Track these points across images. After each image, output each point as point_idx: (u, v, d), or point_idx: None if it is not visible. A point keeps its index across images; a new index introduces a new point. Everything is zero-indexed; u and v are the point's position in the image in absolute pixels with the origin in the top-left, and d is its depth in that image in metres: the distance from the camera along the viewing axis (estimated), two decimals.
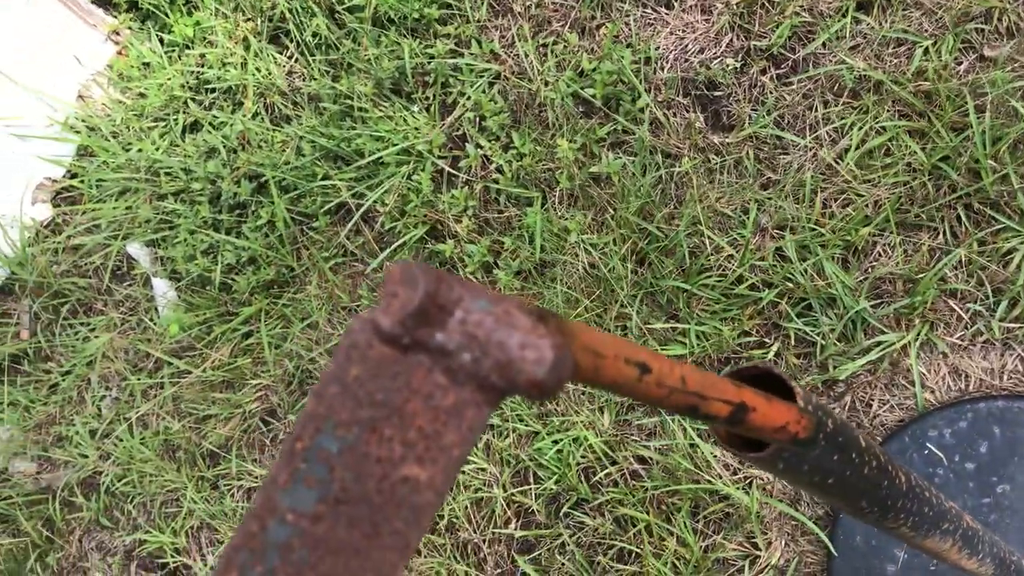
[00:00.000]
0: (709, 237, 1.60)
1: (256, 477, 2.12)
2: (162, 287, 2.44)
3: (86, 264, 2.56)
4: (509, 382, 0.38)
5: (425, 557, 1.66)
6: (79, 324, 2.56)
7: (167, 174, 2.36)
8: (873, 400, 1.42)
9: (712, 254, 1.61)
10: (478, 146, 1.95)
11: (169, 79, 2.41)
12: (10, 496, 2.44)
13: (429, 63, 2.05)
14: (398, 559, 0.38)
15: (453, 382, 0.38)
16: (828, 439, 0.54)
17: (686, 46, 1.86)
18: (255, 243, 2.19)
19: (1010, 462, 1.33)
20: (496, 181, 1.92)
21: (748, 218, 1.53)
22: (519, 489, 1.67)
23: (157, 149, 2.39)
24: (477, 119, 1.99)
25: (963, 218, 1.50)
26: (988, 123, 1.49)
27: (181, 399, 2.29)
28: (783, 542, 1.50)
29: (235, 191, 2.25)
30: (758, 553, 1.51)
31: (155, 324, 2.43)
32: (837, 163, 1.60)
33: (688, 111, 1.79)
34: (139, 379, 2.40)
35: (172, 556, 2.21)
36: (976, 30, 1.59)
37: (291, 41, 2.22)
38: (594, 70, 1.86)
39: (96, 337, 2.51)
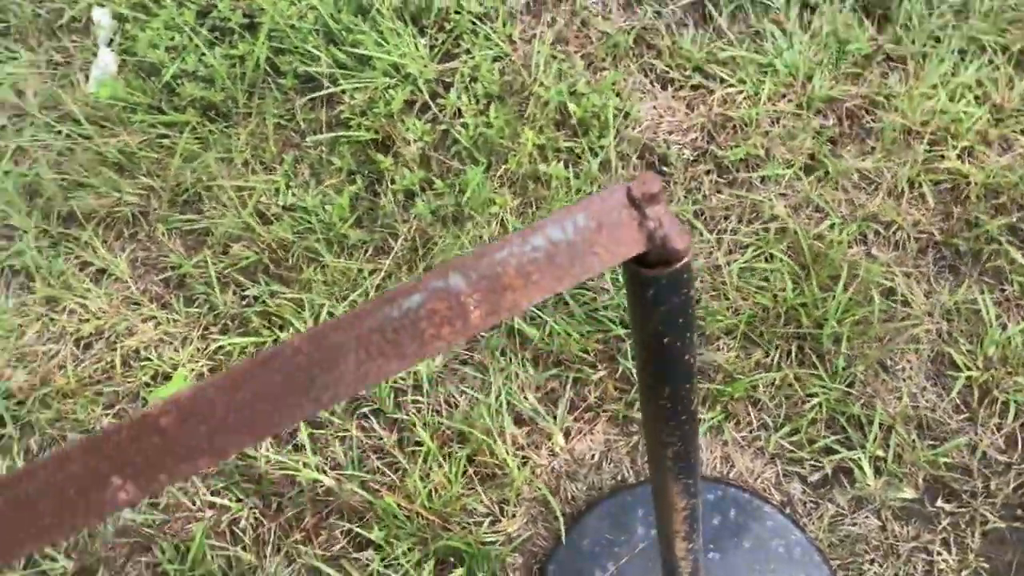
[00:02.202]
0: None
1: (100, 257, 2.15)
2: (107, 57, 2.48)
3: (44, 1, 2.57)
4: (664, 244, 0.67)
5: None
6: (4, 48, 2.55)
7: None
8: None
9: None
10: (459, 98, 2.14)
11: None
12: None
13: (457, 13, 2.23)
14: None
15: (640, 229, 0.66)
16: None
17: (660, 122, 2.12)
18: (219, 65, 2.28)
19: (728, 540, 1.58)
20: (458, 133, 2.10)
21: None
22: None
23: None
24: (469, 79, 2.18)
25: (792, 352, 1.77)
26: (847, 297, 1.78)
27: (69, 159, 2.31)
28: (526, 520, 1.69)
29: (228, 16, 2.34)
30: (501, 518, 1.69)
31: (82, 84, 2.45)
32: (724, 266, 1.87)
33: (636, 169, 2.04)
34: (34, 120, 2.40)
35: None
36: (875, 232, 1.91)
37: None
38: (583, 95, 2.10)
39: (15, 63, 2.51)
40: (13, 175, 2.33)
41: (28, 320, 2.12)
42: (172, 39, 2.37)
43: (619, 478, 1.72)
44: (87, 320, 2.09)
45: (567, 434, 1.78)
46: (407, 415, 1.80)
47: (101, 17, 2.55)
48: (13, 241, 2.23)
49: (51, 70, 2.53)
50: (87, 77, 2.49)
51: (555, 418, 1.78)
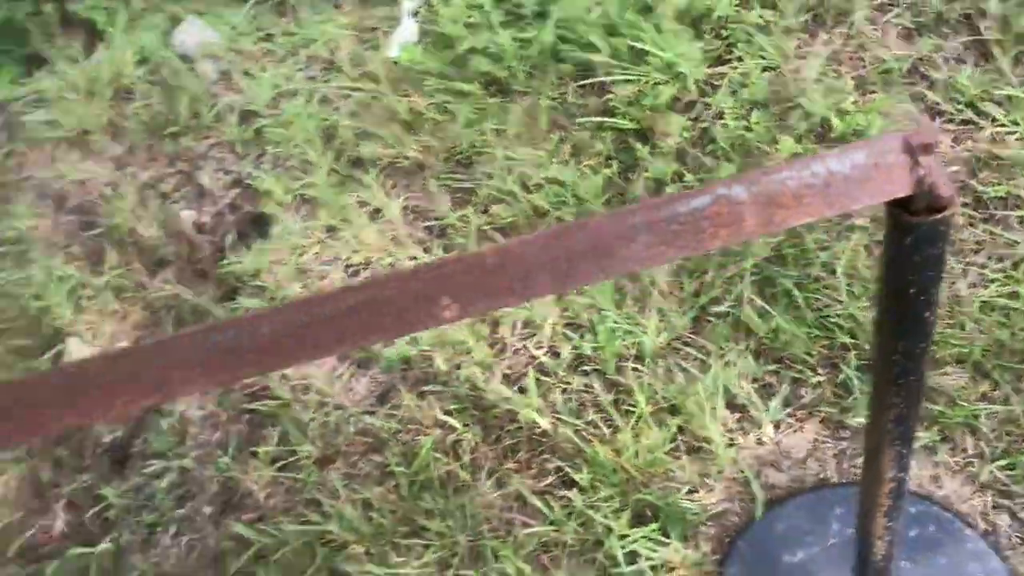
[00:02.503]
0: None
1: (378, 198, 2.42)
2: (410, 27, 2.78)
3: None
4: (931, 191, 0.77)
5: None
6: (323, 11, 2.91)
7: None
8: None
9: None
10: (724, 100, 2.25)
11: None
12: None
13: (735, 23, 2.35)
14: None
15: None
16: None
17: None
18: (508, 45, 2.51)
19: (924, 553, 1.59)
20: (717, 133, 2.21)
21: None
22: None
23: None
24: (739, 84, 2.28)
25: (1023, 390, 1.75)
26: None
27: (364, 111, 2.62)
28: (724, 496, 1.77)
29: (523, 2, 2.57)
30: (699, 489, 1.78)
31: (384, 49, 2.76)
32: (966, 297, 1.87)
33: None
34: (339, 74, 2.73)
35: (268, 204, 2.53)
36: None
37: None
38: (848, 113, 2.14)
39: (332, 23, 2.86)
40: (316, 118, 2.66)
41: (310, 243, 2.43)
42: (470, 17, 2.63)
43: (822, 477, 1.77)
44: (358, 251, 2.37)
45: (777, 426, 1.84)
46: (626, 380, 1.93)
47: None
48: (307, 174, 2.56)
49: (360, 33, 2.87)
50: (389, 43, 2.80)
51: (768, 410, 1.85)
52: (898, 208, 0.81)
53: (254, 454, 2.05)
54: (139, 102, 2.82)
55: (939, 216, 0.81)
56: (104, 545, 2.04)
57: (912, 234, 0.83)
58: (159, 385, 0.82)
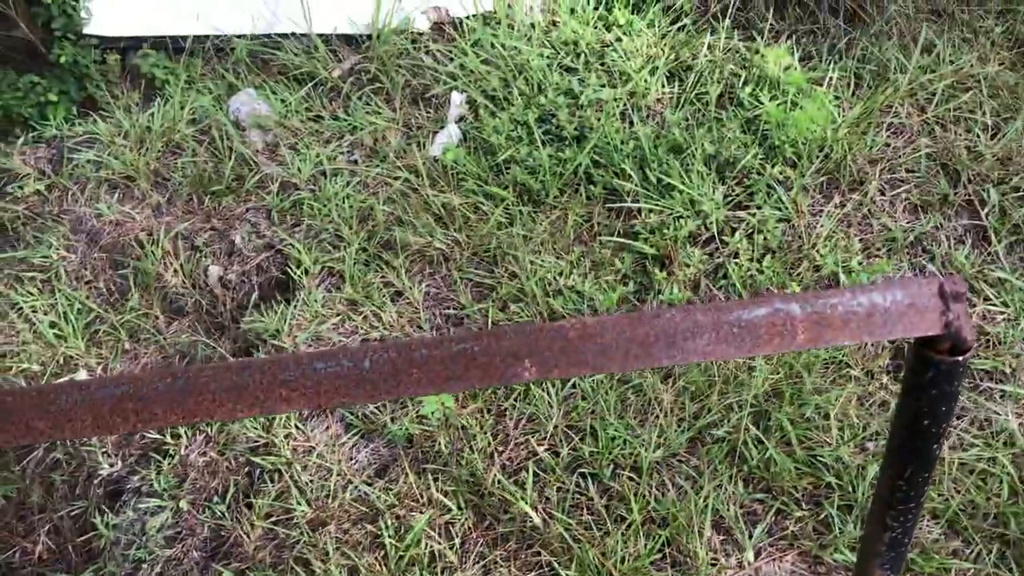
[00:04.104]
0: None
1: (402, 282, 2.54)
2: (454, 130, 2.96)
3: (421, 69, 3.09)
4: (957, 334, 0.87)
5: None
6: (375, 104, 3.10)
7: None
8: None
9: None
10: (740, 241, 2.41)
11: None
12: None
13: (758, 174, 2.54)
14: None
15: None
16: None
17: None
18: (545, 161, 2.68)
19: None
20: (731, 270, 2.37)
21: None
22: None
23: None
24: (754, 230, 2.45)
25: (993, 552, 1.85)
26: None
27: (400, 200, 2.77)
28: None
29: (564, 125, 2.76)
30: None
31: (427, 147, 2.93)
32: (946, 457, 1.98)
33: (883, 350, 2.21)
34: (378, 162, 2.89)
35: (296, 271, 2.65)
36: None
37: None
38: (854, 272, 2.31)
39: (379, 116, 3.04)
40: (354, 199, 2.81)
41: (331, 313, 2.53)
42: (513, 130, 2.82)
43: None
44: (376, 327, 2.47)
45: (758, 553, 1.92)
46: (620, 487, 2.02)
47: (458, 99, 3.06)
48: (338, 249, 2.68)
49: (406, 129, 3.05)
50: (433, 142, 2.98)
51: (750, 535, 1.94)
52: (925, 345, 0.94)
53: (249, 506, 2.10)
54: (186, 157, 2.96)
55: (960, 358, 0.93)
56: (86, 575, 2.06)
57: (933, 370, 0.95)
58: (260, 400, 0.92)
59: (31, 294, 2.67)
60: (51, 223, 2.88)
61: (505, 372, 0.92)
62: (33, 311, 2.65)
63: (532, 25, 3.14)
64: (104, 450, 2.27)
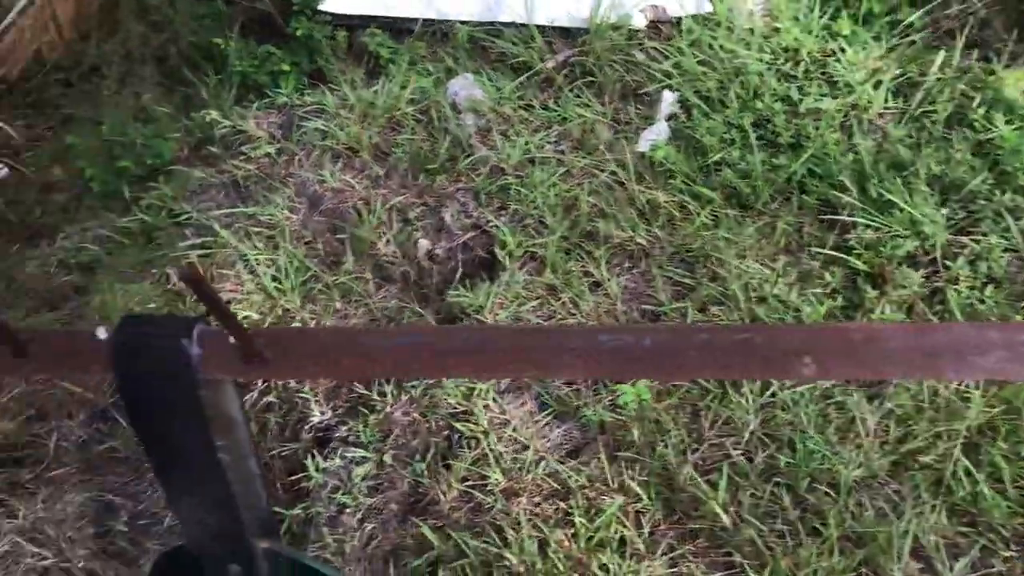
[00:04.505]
0: None
1: (601, 273, 2.59)
2: (663, 128, 2.98)
3: (634, 66, 3.13)
4: None
5: None
6: (586, 97, 3.15)
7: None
8: None
9: None
10: (961, 268, 2.32)
11: None
12: None
13: (987, 199, 2.44)
14: None
15: None
16: None
17: None
18: (757, 166, 2.66)
19: None
20: (951, 296, 2.29)
21: None
22: None
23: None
24: (978, 257, 2.36)
25: None
26: None
27: (606, 192, 2.81)
28: None
29: (780, 131, 2.74)
30: None
31: (635, 142, 2.96)
32: None
33: None
34: (584, 154, 2.94)
35: (500, 252, 2.74)
36: None
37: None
38: None
39: (588, 108, 3.09)
40: (559, 188, 2.88)
41: (531, 295, 2.61)
42: (726, 132, 2.81)
43: None
44: (575, 314, 2.53)
45: None
46: (816, 501, 2.00)
47: (670, 97, 3.08)
48: (541, 235, 2.76)
49: (614, 123, 3.10)
50: (641, 138, 3.01)
51: (951, 568, 1.88)
52: None
53: (448, 467, 2.20)
54: (405, 135, 3.11)
55: None
56: (295, 511, 2.21)
57: None
58: (544, 364, 0.98)
59: (257, 248, 2.88)
60: (278, 184, 3.08)
61: (785, 366, 0.94)
62: (257, 263, 2.85)
63: (751, 30, 3.11)
64: (316, 399, 2.43)
